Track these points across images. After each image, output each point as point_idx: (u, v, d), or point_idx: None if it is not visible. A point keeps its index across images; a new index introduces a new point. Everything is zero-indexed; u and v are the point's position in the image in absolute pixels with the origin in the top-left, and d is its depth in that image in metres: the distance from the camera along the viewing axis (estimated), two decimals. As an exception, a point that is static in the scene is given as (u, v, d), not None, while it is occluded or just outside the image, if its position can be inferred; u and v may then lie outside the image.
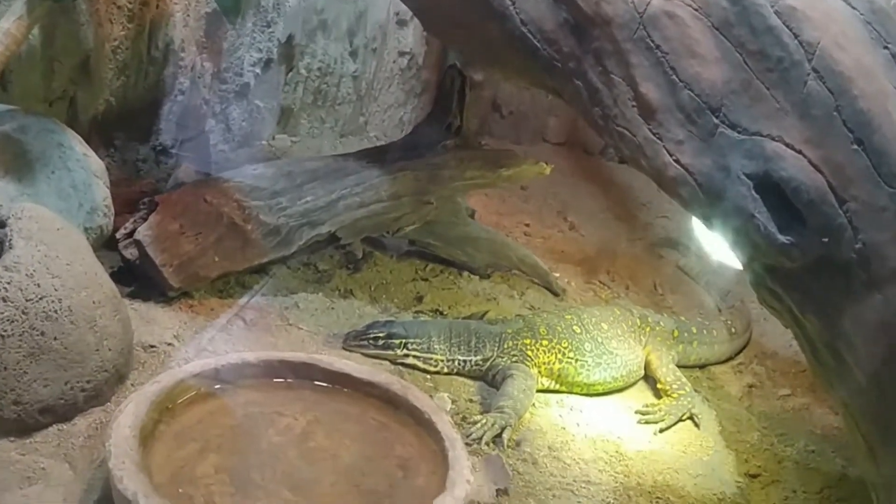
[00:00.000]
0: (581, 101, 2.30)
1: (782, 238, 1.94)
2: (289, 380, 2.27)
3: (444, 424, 2.13)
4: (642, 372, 2.99)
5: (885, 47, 1.95)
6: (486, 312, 3.06)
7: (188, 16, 3.49)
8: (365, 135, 4.69)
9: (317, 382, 2.27)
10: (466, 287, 3.36)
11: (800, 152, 1.92)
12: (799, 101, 1.93)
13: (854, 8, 1.99)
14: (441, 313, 3.11)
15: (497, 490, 2.23)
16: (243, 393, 2.19)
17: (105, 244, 2.74)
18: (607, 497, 2.36)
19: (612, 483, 2.42)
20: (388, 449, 2.12)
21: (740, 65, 2.00)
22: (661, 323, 3.11)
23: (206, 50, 3.64)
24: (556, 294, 3.48)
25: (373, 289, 3.19)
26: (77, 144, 2.65)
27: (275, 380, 2.26)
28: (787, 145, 1.94)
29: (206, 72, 3.70)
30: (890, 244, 1.87)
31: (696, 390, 2.96)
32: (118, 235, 2.74)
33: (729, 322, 3.31)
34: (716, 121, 2.02)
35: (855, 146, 1.89)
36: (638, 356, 2.96)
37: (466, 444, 2.34)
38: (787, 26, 1.95)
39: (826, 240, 1.90)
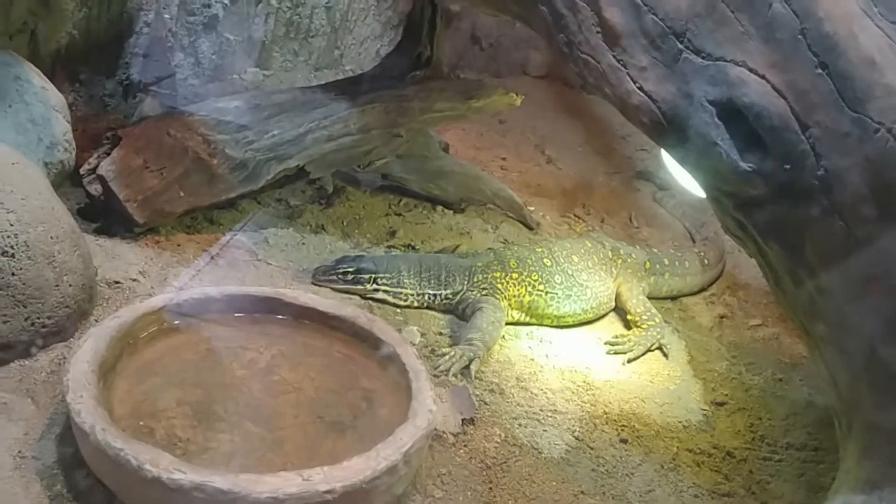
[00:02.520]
0: (546, 28, 2.25)
1: (745, 165, 1.91)
2: (253, 314, 2.26)
3: (409, 356, 2.13)
4: (613, 304, 3.00)
5: (854, -33, 1.90)
6: (457, 246, 3.05)
7: (151, -59, 3.39)
8: (340, 68, 4.60)
9: (282, 317, 2.27)
10: (440, 221, 3.35)
11: (763, 77, 1.89)
12: (763, 25, 1.89)
13: (824, -74, 1.93)
14: (414, 248, 3.10)
15: (463, 420, 2.25)
16: (207, 327, 2.18)
17: (69, 180, 2.71)
18: (573, 425, 2.39)
19: (579, 412, 2.45)
20: (353, 381, 2.13)
21: (706, -13, 1.95)
22: (633, 255, 3.11)
23: (171, -21, 3.54)
24: (530, 227, 3.47)
25: (345, 224, 3.17)
26: (35, 77, 2.59)
27: (239, 314, 2.26)
28: (751, 70, 1.90)
29: (172, 2, 3.60)
30: (852, 170, 1.85)
31: (666, 321, 2.98)
32: (82, 171, 2.71)
33: (702, 254, 3.31)
34: (680, 46, 1.98)
35: (819, 70, 1.85)
36: (608, 288, 2.96)
37: (435, 376, 2.36)
38: (753, -53, 1.89)
39: (788, 166, 1.88)
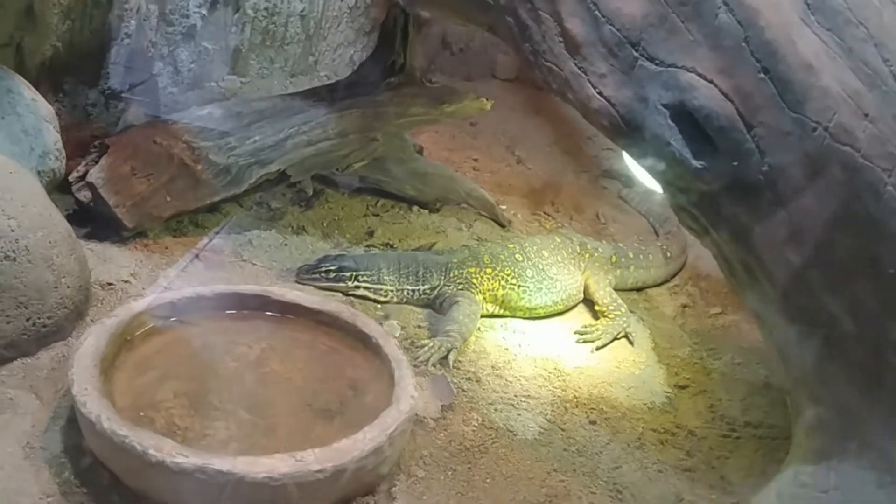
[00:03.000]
0: (513, 38, 2.40)
1: (696, 163, 2.08)
2: (243, 311, 2.40)
3: (391, 347, 2.28)
4: (581, 296, 3.16)
5: (791, -20, 2.07)
6: (433, 244, 3.20)
7: (131, -45, 3.50)
8: (315, 74, 4.73)
9: (269, 313, 2.40)
10: (416, 221, 3.49)
11: (711, 82, 2.05)
12: (711, 33, 2.05)
13: (763, -57, 2.10)
14: (391, 246, 3.24)
15: (442, 406, 2.40)
16: (199, 324, 2.31)
17: (58, 187, 2.82)
18: (545, 409, 2.54)
19: (551, 397, 2.61)
20: (339, 371, 2.28)
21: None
22: (600, 249, 3.28)
23: (150, -9, 3.65)
24: (502, 225, 3.63)
25: (325, 225, 3.31)
26: (25, 90, 2.70)
27: (229, 311, 2.39)
28: (700, 76, 2.06)
29: (152, 14, 3.71)
30: (793, 165, 2.02)
31: (631, 311, 3.15)
32: (71, 179, 2.82)
33: (665, 247, 3.49)
34: (635, 54, 2.14)
35: (762, 75, 2.02)
36: (577, 281, 3.13)
37: (415, 366, 2.50)
38: (701, -38, 2.06)
39: (736, 163, 2.05)
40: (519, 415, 2.49)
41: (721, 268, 2.37)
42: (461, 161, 4.21)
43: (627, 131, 2.18)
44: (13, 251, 2.10)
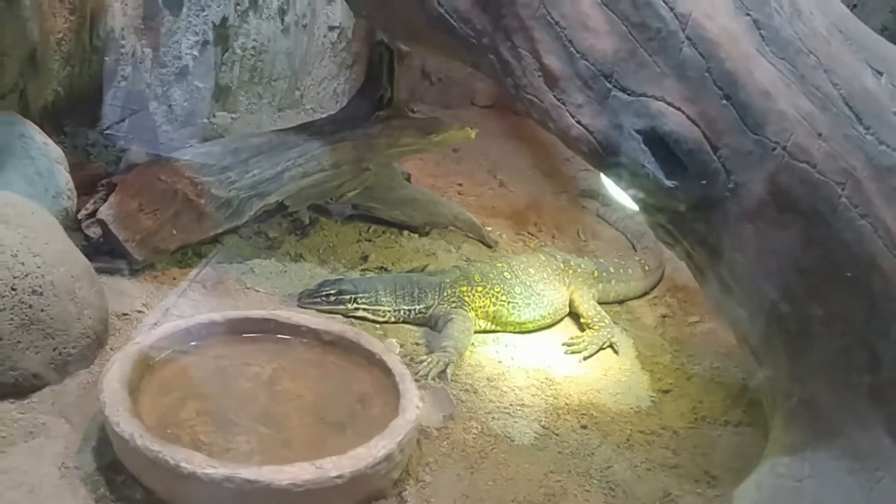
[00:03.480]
0: (496, 73, 2.60)
1: (668, 183, 2.27)
2: (253, 334, 2.56)
3: (394, 362, 2.45)
4: (567, 309, 3.35)
5: (747, 14, 2.27)
6: (426, 266, 3.38)
7: (126, 5, 3.68)
8: (301, 107, 4.93)
9: (278, 335, 2.56)
10: (407, 244, 3.67)
11: (679, 109, 2.25)
12: (676, 65, 2.26)
13: (720, -18, 2.32)
14: (385, 269, 3.42)
15: (444, 416, 2.57)
16: (213, 348, 2.47)
17: (68, 225, 2.97)
18: (539, 416, 2.72)
19: (544, 405, 2.78)
20: (346, 387, 2.44)
21: (626, 36, 2.31)
22: (583, 265, 3.47)
23: (144, 36, 3.84)
24: (489, 246, 3.82)
25: (321, 251, 3.48)
26: (36, 134, 2.86)
27: (240, 335, 2.55)
28: (669, 104, 2.26)
29: (146, 57, 3.89)
30: (756, 182, 2.22)
31: (615, 322, 3.34)
32: (80, 216, 2.97)
33: (643, 261, 3.69)
34: (609, 85, 2.34)
35: (724, 101, 2.22)
36: (563, 296, 3.32)
37: (416, 380, 2.66)
38: (663, 0, 2.27)
39: (704, 182, 2.25)
40: (515, 422, 2.66)
41: (696, 279, 2.56)
42: (446, 186, 4.40)
43: (605, 156, 2.38)
44: (40, 286, 2.25)
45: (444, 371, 2.75)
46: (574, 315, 3.37)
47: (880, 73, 2.30)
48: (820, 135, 2.19)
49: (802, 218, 2.20)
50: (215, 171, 3.15)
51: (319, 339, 2.55)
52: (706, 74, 2.23)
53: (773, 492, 2.38)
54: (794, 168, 2.17)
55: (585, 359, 3.09)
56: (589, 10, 2.36)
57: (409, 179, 3.77)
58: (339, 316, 2.98)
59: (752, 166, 2.22)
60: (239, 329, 2.55)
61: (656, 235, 2.54)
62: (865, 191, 2.17)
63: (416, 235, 3.72)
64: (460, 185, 4.45)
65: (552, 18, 2.40)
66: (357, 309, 3.00)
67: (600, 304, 3.42)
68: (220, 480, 1.88)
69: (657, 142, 2.29)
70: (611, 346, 3.18)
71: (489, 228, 3.94)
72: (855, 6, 5.14)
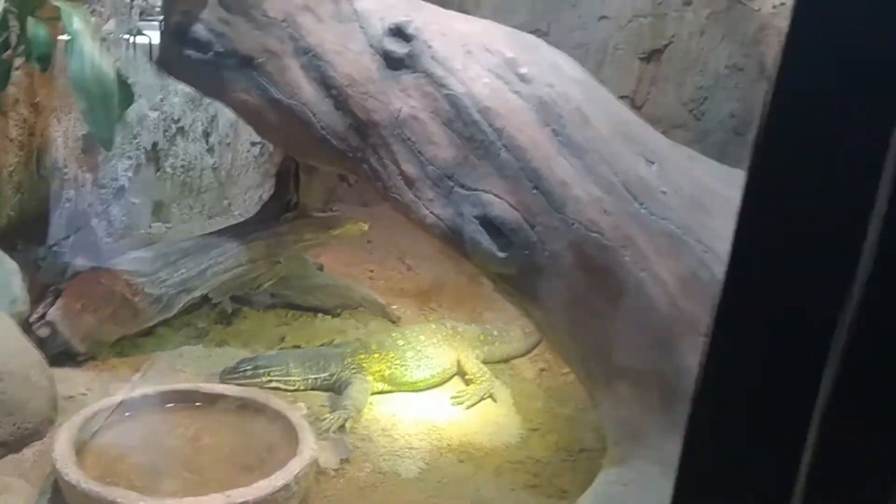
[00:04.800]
0: (369, 179, 3.27)
1: (500, 254, 2.93)
2: (179, 404, 3.10)
3: (296, 417, 3.01)
4: (455, 369, 3.94)
5: (547, 125, 3.00)
6: (332, 340, 3.96)
7: (67, 139, 4.30)
8: (230, 214, 5.55)
9: (199, 403, 3.11)
10: (321, 325, 4.26)
11: (503, 199, 2.93)
12: (497, 167, 2.95)
13: (527, 102, 3.04)
14: (299, 347, 3.99)
15: (341, 459, 3.11)
16: (145, 416, 3.01)
17: (23, 326, 3.51)
18: (424, 455, 3.28)
19: (429, 446, 3.35)
20: (257, 440, 2.98)
21: (461, 146, 3.01)
22: (469, 330, 4.09)
23: (84, 163, 4.46)
24: (393, 322, 4.42)
25: (244, 337, 4.04)
26: (-7, 252, 3.44)
27: (169, 405, 3.09)
28: (495, 195, 2.94)
29: (87, 181, 4.50)
30: (564, 249, 2.88)
31: (496, 377, 3.94)
32: (31, 319, 3.52)
33: (523, 325, 4.32)
34: (451, 184, 3.02)
35: (535, 191, 2.91)
36: (450, 357, 3.92)
37: (319, 434, 3.22)
38: (485, 119, 2.98)
39: (527, 252, 2.91)
40: (403, 461, 3.22)
41: (537, 330, 3.20)
42: (359, 273, 5.02)
43: (453, 237, 3.04)
44: (1, 374, 2.79)
45: (342, 425, 3.31)
46: (462, 373, 3.96)
47: (652, 162, 3.01)
48: (606, 212, 2.87)
49: (599, 274, 2.87)
50: (148, 272, 3.73)
51: (234, 403, 3.10)
52: (520, 172, 2.92)
53: (606, 496, 2.96)
54: (589, 237, 2.84)
55: (468, 408, 3.67)
56: (433, 129, 3.07)
57: (321, 269, 4.39)
58: (256, 388, 3.53)
59: (560, 238, 2.89)
60: (168, 400, 3.09)
61: (502, 295, 3.19)
62: (642, 250, 2.85)
63: (329, 317, 4.31)
64: (371, 271, 5.08)
65: (406, 136, 3.09)
66: (271, 381, 3.56)
67: (487, 363, 4.02)
68: (150, 510, 2.41)
69: (489, 224, 2.95)
70: (490, 396, 3.77)
71: (394, 307, 4.55)
72: (706, 99, 5.99)
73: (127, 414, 2.97)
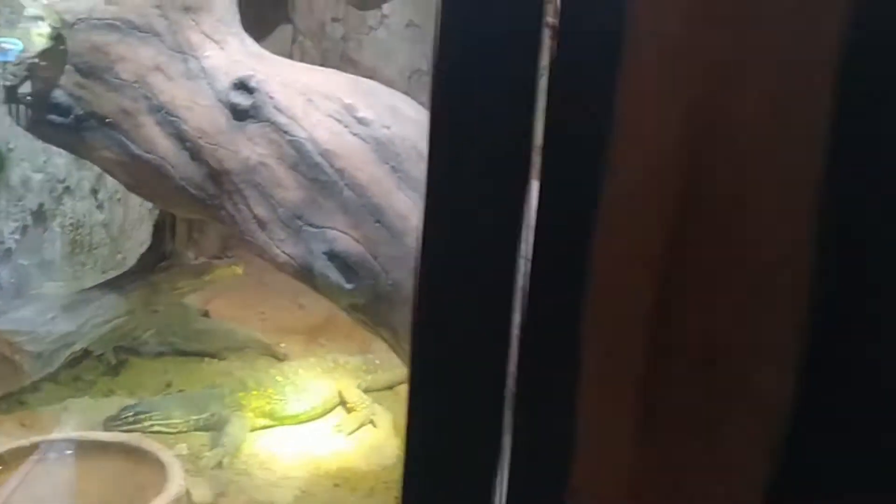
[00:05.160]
0: (227, 223, 3.46)
1: (348, 285, 3.14)
2: (55, 453, 3.21)
3: (167, 456, 3.15)
4: (337, 400, 4.12)
5: (386, 163, 3.24)
6: (213, 383, 4.11)
7: (-54, 206, 4.40)
8: (125, 268, 5.63)
9: (75, 451, 3.23)
10: (207, 368, 4.40)
11: (348, 234, 3.15)
12: (341, 204, 3.17)
13: (367, 143, 3.27)
14: (183, 391, 4.13)
15: (216, 494, 3.26)
16: (23, 467, 3.11)
17: None
18: (301, 483, 3.44)
19: (307, 475, 3.51)
20: (129, 480, 3.11)
21: (307, 187, 3.22)
22: (351, 361, 4.29)
23: (-33, 229, 4.54)
24: (279, 360, 4.58)
25: (130, 386, 4.16)
26: None
27: (47, 455, 3.20)
28: (340, 231, 3.16)
29: (-29, 245, 4.58)
30: (405, 278, 3.12)
31: (378, 403, 4.13)
32: (-90, 385, 3.59)
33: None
34: (300, 223, 3.23)
35: (378, 224, 3.14)
36: (331, 389, 4.10)
37: (199, 470, 3.36)
38: (327, 161, 3.20)
39: (372, 282, 3.13)
40: (280, 490, 3.37)
41: (395, 353, 3.41)
42: (251, 316, 5.18)
43: (305, 273, 3.24)
44: None
45: (220, 462, 3.45)
46: (344, 403, 4.14)
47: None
48: (442, 238, 3.12)
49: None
50: (28, 330, 3.84)
51: (107, 448, 3.23)
52: (362, 208, 3.15)
53: None
54: (427, 264, 3.08)
55: (348, 434, 3.85)
56: (280, 173, 3.28)
57: (206, 314, 4.54)
58: (138, 433, 3.66)
59: (402, 266, 3.11)
60: (45, 450, 3.20)
61: (357, 323, 3.39)
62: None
63: (216, 360, 4.46)
64: (263, 312, 5.23)
65: (256, 182, 3.29)
66: (153, 425, 3.69)
67: (371, 391, 4.21)
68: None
69: (337, 258, 3.17)
70: (371, 422, 3.96)
71: (282, 345, 4.72)
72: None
73: (1, 468, 3.07)
